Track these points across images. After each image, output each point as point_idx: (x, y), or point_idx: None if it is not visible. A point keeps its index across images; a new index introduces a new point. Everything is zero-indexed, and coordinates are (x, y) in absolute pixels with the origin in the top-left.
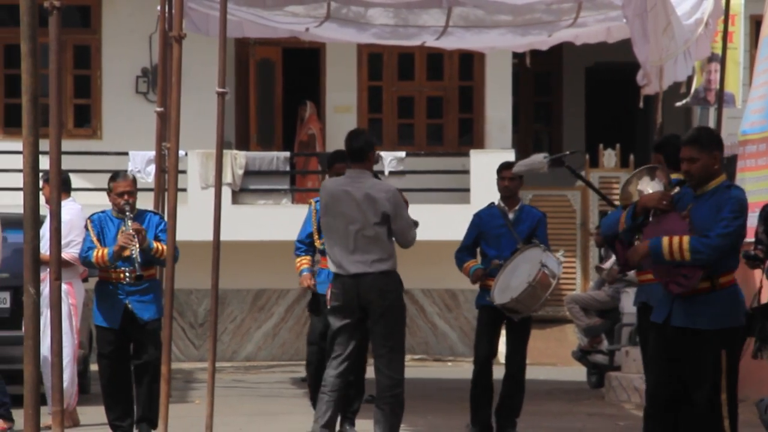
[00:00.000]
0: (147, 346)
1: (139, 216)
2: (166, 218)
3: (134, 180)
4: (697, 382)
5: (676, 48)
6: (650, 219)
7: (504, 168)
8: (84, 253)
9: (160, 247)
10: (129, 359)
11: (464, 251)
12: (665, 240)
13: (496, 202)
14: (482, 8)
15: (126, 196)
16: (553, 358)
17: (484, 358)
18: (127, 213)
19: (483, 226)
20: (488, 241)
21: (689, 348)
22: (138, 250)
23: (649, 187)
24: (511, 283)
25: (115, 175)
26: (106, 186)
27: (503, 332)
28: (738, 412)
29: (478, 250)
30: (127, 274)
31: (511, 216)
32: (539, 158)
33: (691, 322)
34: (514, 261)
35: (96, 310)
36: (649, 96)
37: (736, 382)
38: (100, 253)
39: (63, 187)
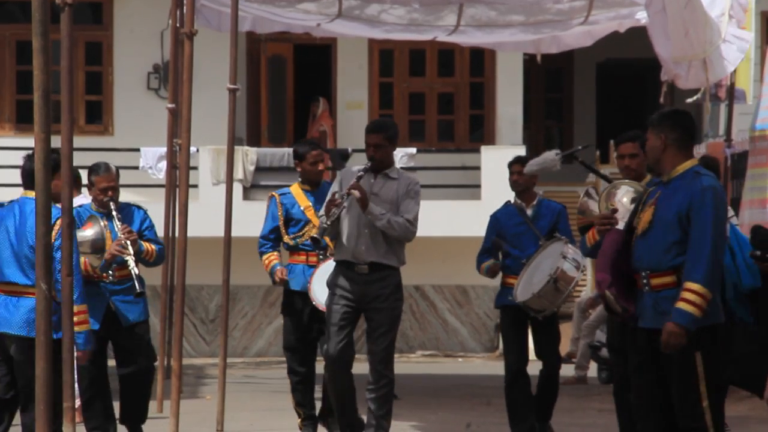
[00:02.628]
0: (135, 355)
1: (123, 211)
2: (177, 215)
3: (117, 173)
4: (677, 391)
5: (716, 39)
6: None
7: (513, 163)
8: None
9: (149, 249)
10: (105, 365)
11: (484, 254)
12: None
13: (512, 200)
14: (494, 8)
15: (110, 192)
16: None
17: (516, 369)
18: (114, 214)
19: (500, 226)
20: (508, 241)
21: (660, 352)
22: (133, 258)
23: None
24: (533, 279)
25: (96, 168)
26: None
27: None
28: (726, 421)
29: (501, 252)
30: (110, 272)
31: (529, 212)
32: (551, 155)
33: (660, 323)
34: (537, 258)
35: None
36: (658, 92)
37: (719, 387)
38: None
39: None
